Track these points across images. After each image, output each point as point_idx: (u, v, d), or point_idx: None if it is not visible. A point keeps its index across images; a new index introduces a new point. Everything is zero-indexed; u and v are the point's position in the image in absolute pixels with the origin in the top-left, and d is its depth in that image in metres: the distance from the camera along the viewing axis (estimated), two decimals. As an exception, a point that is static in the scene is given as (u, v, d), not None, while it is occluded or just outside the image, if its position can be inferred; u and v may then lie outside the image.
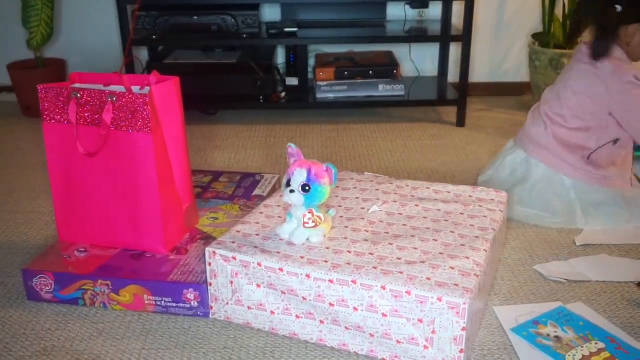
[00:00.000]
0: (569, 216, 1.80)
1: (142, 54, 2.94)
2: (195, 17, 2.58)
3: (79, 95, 1.44)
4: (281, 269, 1.28)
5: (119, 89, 1.48)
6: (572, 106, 1.80)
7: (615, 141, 1.79)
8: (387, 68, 2.73)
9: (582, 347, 1.28)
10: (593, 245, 1.69)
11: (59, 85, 1.47)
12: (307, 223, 1.34)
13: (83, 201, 1.52)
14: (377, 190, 1.62)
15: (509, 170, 1.93)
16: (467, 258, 1.29)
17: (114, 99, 1.41)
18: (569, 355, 1.25)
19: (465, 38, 2.55)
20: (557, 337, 1.31)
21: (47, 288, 1.45)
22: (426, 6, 2.93)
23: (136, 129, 1.41)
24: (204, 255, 1.37)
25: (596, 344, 1.29)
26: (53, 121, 1.48)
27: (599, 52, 1.74)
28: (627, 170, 1.86)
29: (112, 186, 1.48)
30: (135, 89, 1.48)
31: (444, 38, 2.82)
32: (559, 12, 2.77)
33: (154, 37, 2.59)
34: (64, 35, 3.00)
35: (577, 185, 1.81)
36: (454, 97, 2.69)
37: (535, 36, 2.86)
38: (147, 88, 1.47)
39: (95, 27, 2.99)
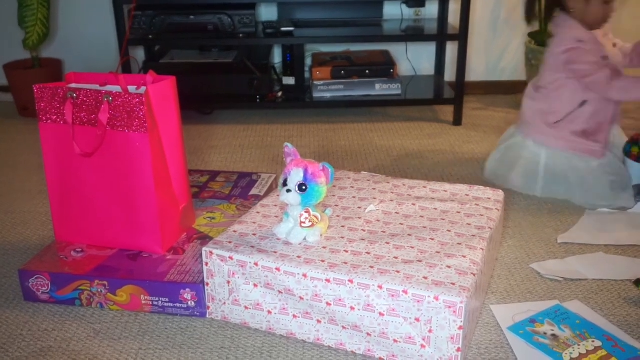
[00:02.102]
0: (527, 181, 1.94)
1: (139, 54, 2.94)
2: (192, 17, 2.57)
3: (75, 95, 1.44)
4: (278, 269, 1.28)
5: (115, 88, 1.48)
6: (543, 75, 1.96)
7: (582, 103, 1.87)
8: (384, 67, 2.73)
9: (578, 345, 1.28)
10: (573, 244, 1.70)
11: (55, 85, 1.47)
12: (304, 222, 1.34)
13: (79, 201, 1.52)
14: (374, 189, 1.62)
15: (508, 134, 2.10)
16: (464, 257, 1.29)
17: (110, 98, 1.40)
18: (566, 354, 1.26)
19: (462, 37, 2.55)
20: (553, 335, 1.31)
21: (44, 288, 1.44)
22: (422, 5, 2.93)
23: (132, 128, 1.41)
24: (201, 255, 1.37)
25: (593, 342, 1.29)
26: (49, 121, 1.48)
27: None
28: (601, 139, 1.91)
29: (108, 186, 1.48)
30: (132, 88, 1.48)
31: (441, 37, 2.82)
32: (555, 10, 2.77)
33: (150, 36, 2.58)
34: (60, 35, 3.00)
35: (547, 152, 1.92)
36: (451, 95, 2.69)
37: (531, 35, 2.86)
38: (144, 88, 1.46)
39: (91, 27, 2.98)
